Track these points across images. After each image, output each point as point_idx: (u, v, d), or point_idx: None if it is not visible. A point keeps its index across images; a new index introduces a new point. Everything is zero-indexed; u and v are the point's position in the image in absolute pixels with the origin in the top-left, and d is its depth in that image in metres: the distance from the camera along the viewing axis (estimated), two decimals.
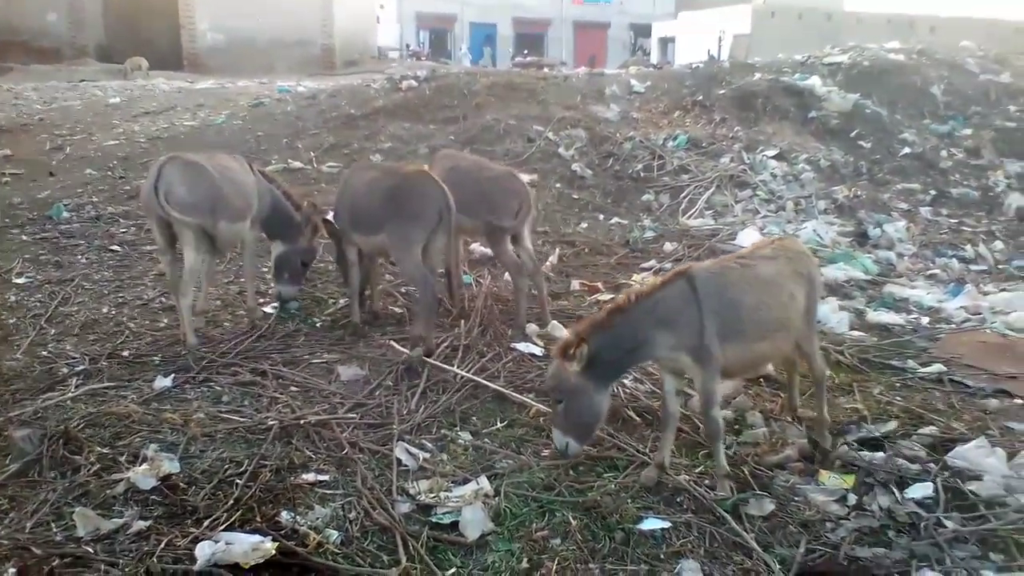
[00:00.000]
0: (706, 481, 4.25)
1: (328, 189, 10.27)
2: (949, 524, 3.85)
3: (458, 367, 5.48)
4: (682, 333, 4.05)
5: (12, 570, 3.19)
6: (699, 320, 4.04)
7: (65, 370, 5.31)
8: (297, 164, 11.49)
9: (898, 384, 5.63)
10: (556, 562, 3.55)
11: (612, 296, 6.89)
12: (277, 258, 6.59)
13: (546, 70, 21.82)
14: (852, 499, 4.11)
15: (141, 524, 3.59)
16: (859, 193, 11.17)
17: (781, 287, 4.32)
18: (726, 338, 4.11)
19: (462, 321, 6.33)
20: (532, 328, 6.38)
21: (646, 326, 4.06)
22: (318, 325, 6.44)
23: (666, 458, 4.25)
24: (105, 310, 6.49)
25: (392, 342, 5.76)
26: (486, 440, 4.68)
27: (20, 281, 7.03)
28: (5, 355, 5.51)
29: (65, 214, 9.13)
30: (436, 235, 5.81)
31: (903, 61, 15.60)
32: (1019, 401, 5.35)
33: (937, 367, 5.86)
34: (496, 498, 3.99)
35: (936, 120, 14.06)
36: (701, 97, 14.11)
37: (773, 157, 12.01)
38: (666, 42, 41.67)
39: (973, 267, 9.18)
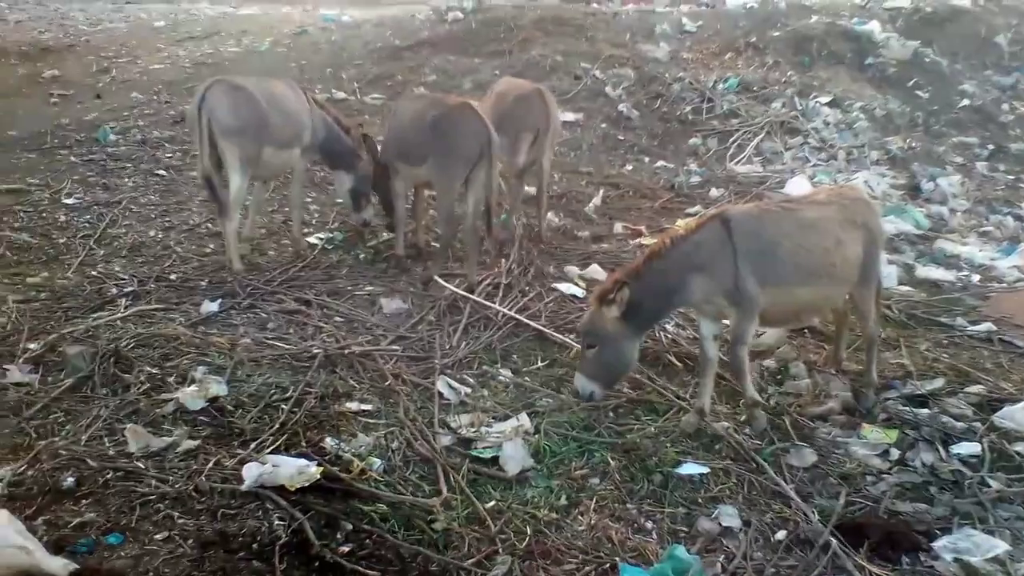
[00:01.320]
0: (746, 430, 4.23)
1: (371, 121, 10.20)
2: (994, 484, 3.82)
3: (500, 305, 5.48)
4: (717, 276, 4.02)
5: (71, 479, 3.31)
6: (733, 262, 4.00)
7: (114, 290, 5.40)
8: (341, 95, 11.39)
9: (945, 341, 5.54)
10: (595, 500, 3.60)
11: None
12: (352, 192, 6.58)
13: (595, 5, 21.25)
14: (895, 454, 4.08)
15: (190, 443, 3.69)
16: (914, 145, 10.83)
17: (826, 232, 4.20)
18: (764, 281, 4.05)
19: (502, 260, 6.33)
20: (573, 269, 6.36)
21: (682, 271, 4.03)
22: (361, 257, 6.47)
23: (706, 404, 4.24)
24: (152, 233, 6.56)
25: (436, 277, 5.76)
26: (526, 378, 4.71)
27: (69, 202, 7.12)
28: (57, 273, 5.62)
29: (112, 137, 9.18)
30: (478, 169, 5.77)
31: (968, 8, 14.89)
32: None
33: (986, 326, 5.74)
34: (536, 435, 4.03)
35: (1000, 71, 13.49)
36: (755, 39, 13.64)
37: (826, 104, 11.66)
38: None
39: None
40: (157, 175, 8.09)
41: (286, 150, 6.00)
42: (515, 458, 3.80)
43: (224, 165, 5.64)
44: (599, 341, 4.05)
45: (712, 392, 4.31)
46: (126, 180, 7.90)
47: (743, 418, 4.37)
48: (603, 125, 10.86)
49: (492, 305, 5.44)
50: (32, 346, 4.44)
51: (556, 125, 7.09)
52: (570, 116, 10.91)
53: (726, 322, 4.28)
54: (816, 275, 4.17)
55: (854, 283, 4.39)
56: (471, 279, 5.78)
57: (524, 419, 4.14)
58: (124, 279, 5.60)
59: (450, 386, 4.45)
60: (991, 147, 11.33)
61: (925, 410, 4.49)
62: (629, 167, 9.89)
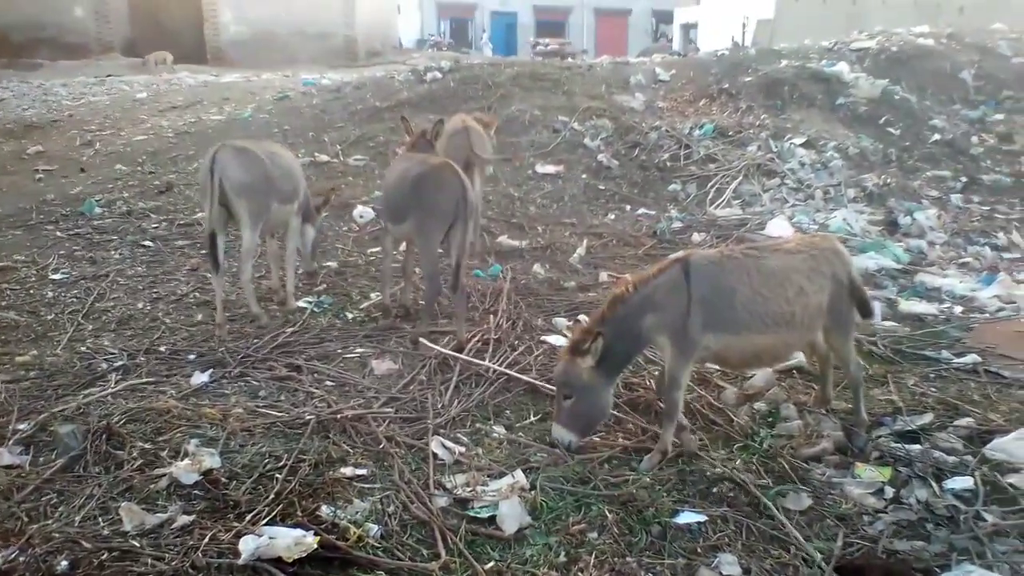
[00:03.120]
0: (742, 475, 4.24)
1: (355, 183, 10.34)
2: (989, 517, 3.83)
3: (490, 360, 5.51)
4: (667, 315, 4.16)
5: (65, 562, 3.27)
6: (686, 306, 4.13)
7: (104, 366, 5.39)
8: (324, 157, 11.53)
9: (932, 375, 5.58)
10: (594, 556, 3.57)
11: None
12: (314, 243, 7.07)
13: (570, 59, 21.72)
14: (889, 492, 4.09)
15: (185, 518, 3.65)
16: (889, 181, 11.03)
17: (787, 281, 4.30)
18: (717, 328, 4.19)
19: (491, 316, 6.38)
20: (561, 321, 6.41)
21: (643, 313, 4.19)
22: (350, 319, 6.50)
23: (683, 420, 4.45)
24: (140, 305, 6.58)
25: (423, 340, 5.80)
26: (520, 434, 4.71)
27: (56, 277, 7.14)
28: (46, 351, 5.61)
29: (97, 210, 9.23)
30: (456, 227, 5.87)
31: (932, 46, 15.36)
32: None
33: (972, 357, 5.80)
34: (532, 492, 4.01)
35: (967, 105, 13.86)
36: (727, 85, 13.97)
37: (801, 145, 11.90)
38: (688, 28, 41.28)
39: (1006, 255, 9.04)
40: (143, 246, 8.13)
41: (287, 205, 6.38)
42: (512, 516, 3.78)
43: (237, 222, 6.01)
44: (575, 392, 4.20)
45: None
46: (112, 253, 7.93)
47: (737, 462, 4.38)
48: (583, 176, 11.03)
49: (481, 362, 5.47)
50: (22, 427, 4.42)
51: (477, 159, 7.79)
52: (551, 168, 11.10)
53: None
54: (774, 323, 4.27)
55: (827, 330, 4.50)
56: (460, 336, 5.81)
57: (520, 476, 4.13)
58: (114, 353, 5.60)
59: (444, 446, 4.44)
60: (964, 179, 11.55)
61: (916, 446, 4.51)
62: (611, 216, 10.01)
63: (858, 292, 4.61)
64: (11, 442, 4.26)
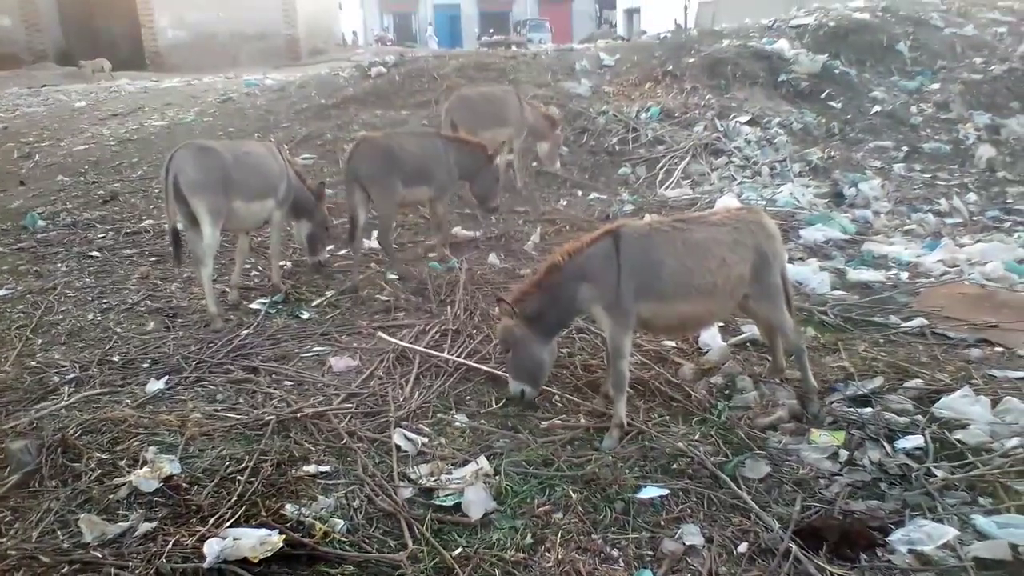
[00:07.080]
0: (702, 448, 4.31)
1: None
2: (939, 473, 3.97)
3: (448, 352, 5.52)
4: (600, 287, 4.36)
5: None
6: (617, 277, 4.32)
7: (56, 379, 5.27)
8: None
9: (882, 340, 5.73)
10: (560, 535, 3.62)
11: None
12: (309, 236, 7.38)
13: (514, 48, 21.72)
14: (844, 455, 4.21)
15: (147, 526, 3.60)
16: (833, 154, 11.27)
17: (710, 253, 4.46)
18: (645, 296, 4.38)
19: (448, 307, 6.39)
20: None
21: (576, 281, 4.41)
22: (306, 318, 6.45)
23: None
24: (91, 316, 6.44)
25: (381, 333, 5.79)
26: (482, 421, 4.73)
27: (1, 293, 6.96)
28: None
29: (40, 223, 9.01)
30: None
31: (868, 19, 15.64)
32: (1000, 349, 5.48)
33: (919, 321, 5.97)
34: (496, 477, 4.05)
35: (904, 76, 14.17)
36: (671, 67, 14.09)
37: (746, 123, 12.08)
38: (631, 13, 41.56)
39: (948, 220, 9.32)
40: (90, 257, 7.95)
41: (258, 202, 6.49)
42: (477, 502, 3.81)
43: (198, 219, 6.07)
44: (512, 346, 4.61)
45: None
46: (59, 265, 7.75)
47: (696, 436, 4.46)
48: (534, 163, 11.05)
49: (440, 354, 5.47)
50: None
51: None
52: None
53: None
54: (698, 292, 4.45)
55: (755, 299, 4.65)
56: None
57: (483, 462, 4.15)
58: (65, 366, 5.47)
59: (407, 438, 4.44)
60: (905, 149, 11.86)
61: (868, 409, 4.65)
62: (564, 202, 10.07)
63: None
64: None
